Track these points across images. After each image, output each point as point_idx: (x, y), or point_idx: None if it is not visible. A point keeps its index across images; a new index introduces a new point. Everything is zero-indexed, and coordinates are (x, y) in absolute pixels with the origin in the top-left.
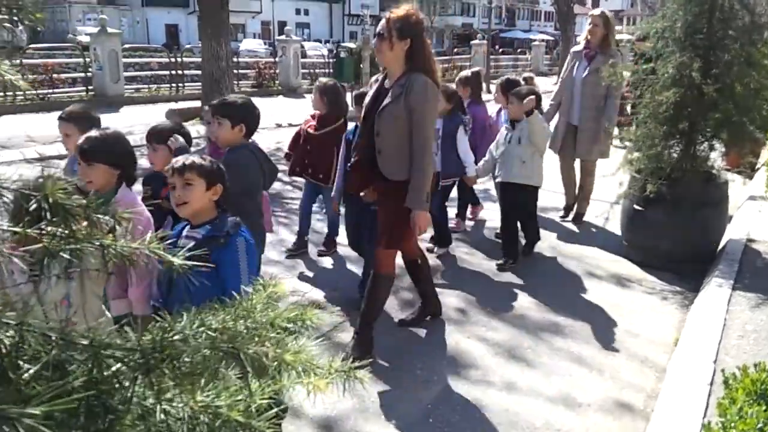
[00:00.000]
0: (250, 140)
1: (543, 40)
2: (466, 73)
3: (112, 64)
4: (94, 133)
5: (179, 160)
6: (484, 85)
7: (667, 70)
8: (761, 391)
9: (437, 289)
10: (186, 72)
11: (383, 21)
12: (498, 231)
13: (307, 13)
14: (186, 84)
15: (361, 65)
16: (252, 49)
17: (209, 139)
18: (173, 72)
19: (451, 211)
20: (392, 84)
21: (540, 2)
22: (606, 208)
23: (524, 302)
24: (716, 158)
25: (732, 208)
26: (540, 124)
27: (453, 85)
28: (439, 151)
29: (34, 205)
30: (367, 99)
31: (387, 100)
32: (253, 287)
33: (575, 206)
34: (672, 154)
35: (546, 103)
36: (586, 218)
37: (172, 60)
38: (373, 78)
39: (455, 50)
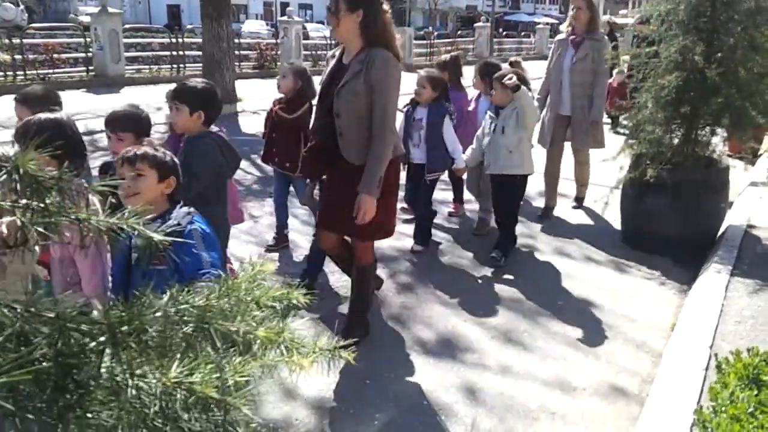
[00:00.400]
0: (212, 128)
1: (547, 24)
2: (445, 56)
3: (113, 44)
4: (32, 117)
5: (130, 150)
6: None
7: (669, 53)
8: (753, 375)
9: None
10: (187, 53)
11: None
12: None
13: None
14: (187, 65)
15: None
16: (254, 30)
17: (170, 126)
18: (174, 53)
19: (448, 195)
20: (350, 60)
21: None
22: (606, 193)
23: (522, 286)
24: (718, 143)
25: (733, 194)
26: (529, 102)
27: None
28: (423, 143)
29: (5, 176)
30: (324, 77)
31: (346, 78)
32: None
33: (574, 194)
34: (673, 139)
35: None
36: (585, 203)
37: (174, 41)
38: (329, 53)
39: (459, 33)
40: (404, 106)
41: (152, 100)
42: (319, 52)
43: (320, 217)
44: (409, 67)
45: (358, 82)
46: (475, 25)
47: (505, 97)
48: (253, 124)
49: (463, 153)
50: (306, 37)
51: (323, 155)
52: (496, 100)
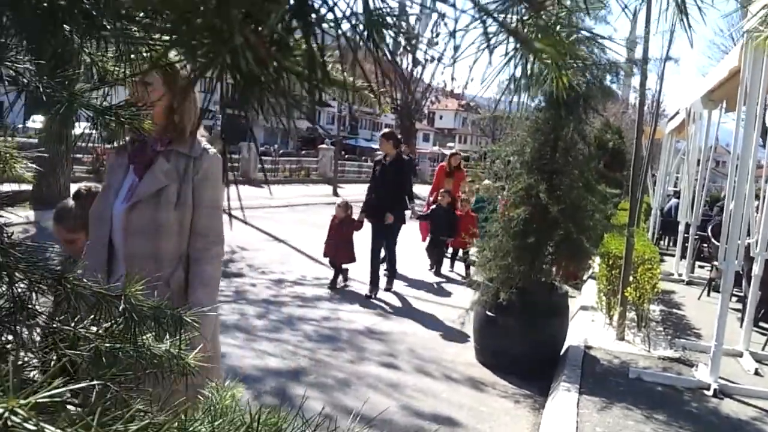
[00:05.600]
0: None
1: None
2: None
3: None
4: None
5: None
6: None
7: (517, 188)
8: None
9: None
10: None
11: None
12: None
13: None
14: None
15: None
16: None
17: None
18: None
19: None
20: None
21: (382, 115)
22: (461, 314)
23: (389, 406)
24: (555, 270)
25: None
26: None
27: None
28: None
29: (121, 307)
30: None
31: None
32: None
33: None
34: (521, 266)
35: None
36: (444, 323)
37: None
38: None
39: (302, 151)
40: None
41: None
42: None
43: None
44: (254, 181)
45: None
46: (320, 146)
47: None
48: None
49: None
50: None
51: None
52: None
